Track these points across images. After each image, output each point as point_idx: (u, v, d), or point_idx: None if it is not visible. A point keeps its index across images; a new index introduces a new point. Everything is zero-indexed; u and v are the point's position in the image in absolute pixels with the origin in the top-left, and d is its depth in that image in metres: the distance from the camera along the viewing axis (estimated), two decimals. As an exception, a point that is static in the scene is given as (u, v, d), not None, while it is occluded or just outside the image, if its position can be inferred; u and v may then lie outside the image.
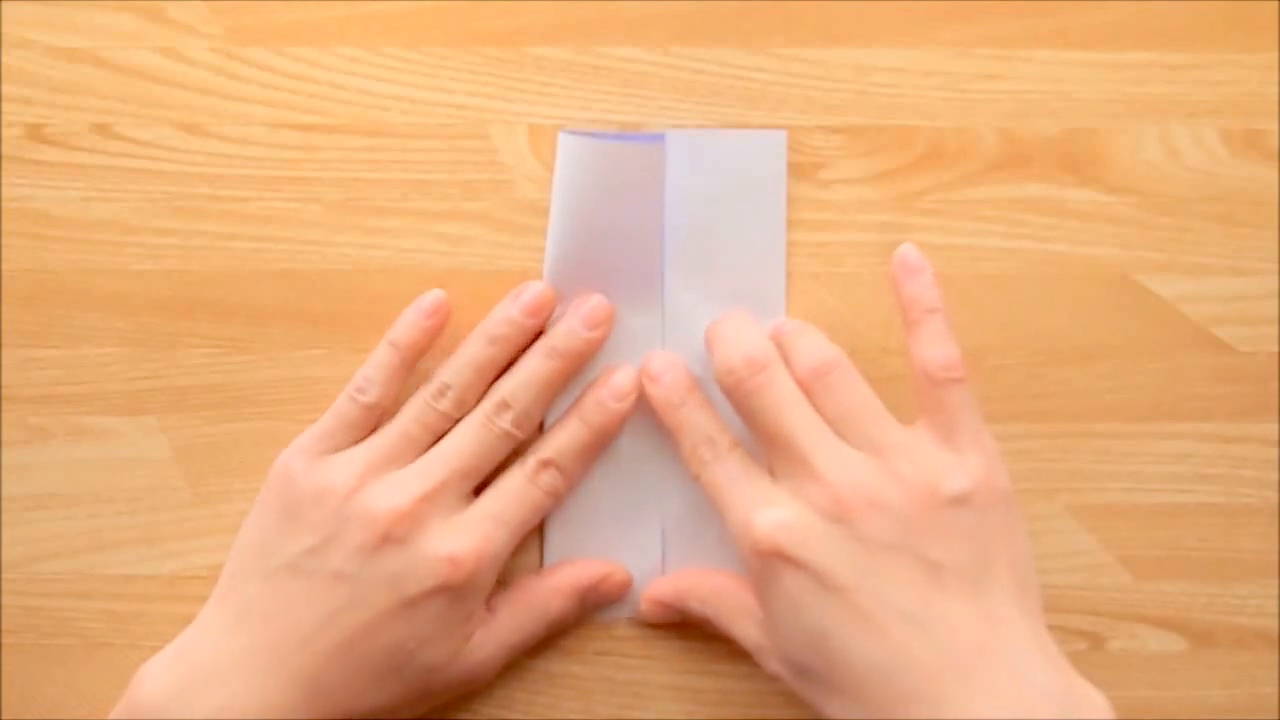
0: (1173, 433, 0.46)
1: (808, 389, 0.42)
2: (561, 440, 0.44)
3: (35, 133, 0.46)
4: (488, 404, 0.43)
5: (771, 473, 0.42)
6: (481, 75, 0.46)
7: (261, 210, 0.46)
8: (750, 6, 0.46)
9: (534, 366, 0.44)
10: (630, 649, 0.46)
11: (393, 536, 0.41)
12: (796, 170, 0.46)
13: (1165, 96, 0.46)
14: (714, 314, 0.45)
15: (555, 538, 0.45)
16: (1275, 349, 0.46)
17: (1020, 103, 0.46)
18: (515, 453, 0.44)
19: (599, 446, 0.45)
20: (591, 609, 0.45)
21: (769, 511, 0.40)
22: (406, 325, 0.44)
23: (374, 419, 0.44)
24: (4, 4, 0.46)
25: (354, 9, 0.46)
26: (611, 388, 0.44)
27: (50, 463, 0.46)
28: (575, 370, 0.44)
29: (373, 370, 0.44)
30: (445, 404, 0.43)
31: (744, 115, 0.46)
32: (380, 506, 0.42)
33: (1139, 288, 0.46)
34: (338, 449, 0.44)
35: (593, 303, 0.44)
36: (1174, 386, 0.46)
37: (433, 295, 0.45)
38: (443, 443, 0.43)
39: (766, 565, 0.39)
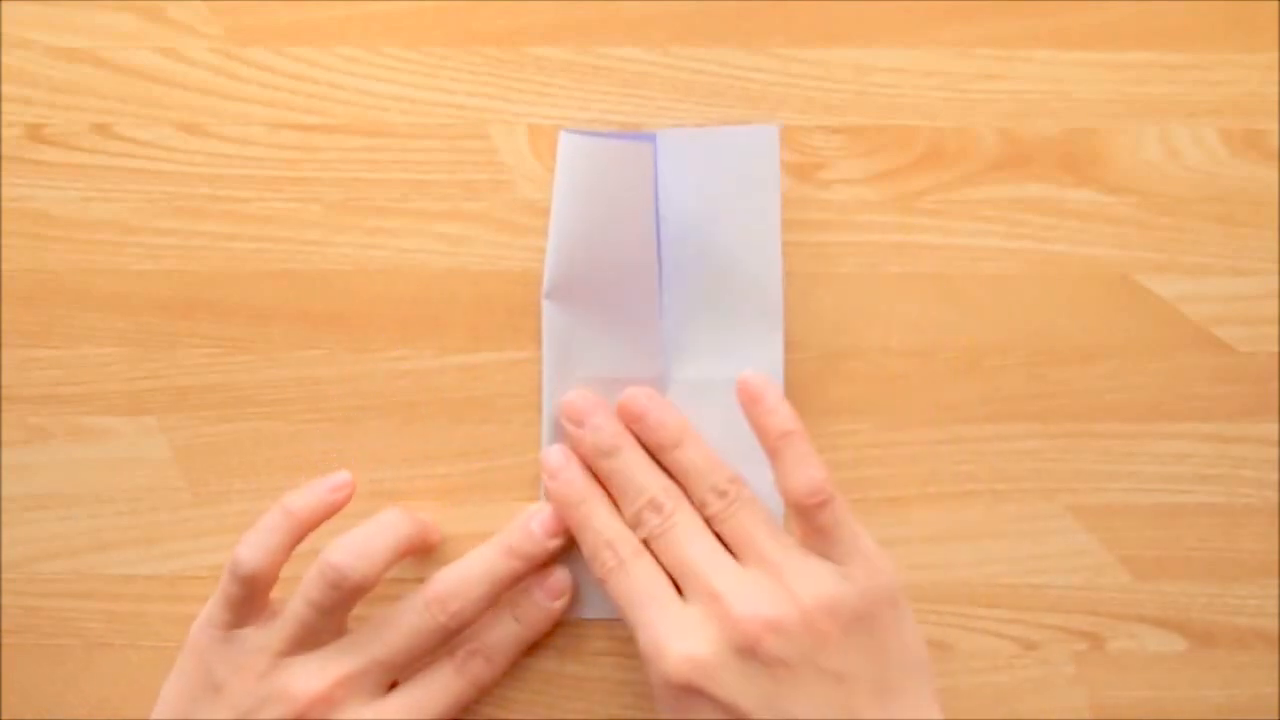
0: (1173, 433, 0.46)
1: (706, 512, 0.43)
2: (494, 634, 0.44)
3: (35, 133, 0.46)
4: (427, 593, 0.43)
5: (680, 589, 0.42)
6: (481, 75, 0.46)
7: (261, 210, 0.46)
8: (750, 6, 0.46)
9: (487, 564, 0.44)
10: (630, 649, 0.46)
11: (307, 718, 0.41)
12: (796, 170, 0.46)
13: (1165, 96, 0.46)
14: (712, 311, 0.45)
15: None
16: (1275, 349, 0.46)
17: (1020, 103, 0.46)
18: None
19: (531, 641, 0.45)
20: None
21: (682, 644, 0.40)
22: (308, 495, 0.44)
23: (256, 591, 0.43)
24: (4, 4, 0.46)
25: (354, 9, 0.46)
26: (547, 588, 0.45)
27: (50, 463, 0.46)
28: (528, 573, 0.44)
29: (258, 536, 0.43)
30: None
31: (744, 115, 0.46)
32: (297, 686, 0.42)
33: (1139, 288, 0.46)
34: (240, 624, 0.43)
35: (549, 511, 0.44)
36: (1174, 386, 0.46)
37: (343, 475, 0.44)
38: (372, 626, 0.43)
39: (677, 696, 0.40)
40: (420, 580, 0.44)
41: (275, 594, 0.44)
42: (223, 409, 0.46)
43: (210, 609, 0.43)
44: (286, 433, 0.46)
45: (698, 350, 0.45)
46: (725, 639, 0.40)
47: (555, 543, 0.44)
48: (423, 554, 0.45)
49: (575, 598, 0.46)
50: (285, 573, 0.43)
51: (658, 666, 0.41)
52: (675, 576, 0.42)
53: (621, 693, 0.46)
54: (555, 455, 0.44)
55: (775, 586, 0.41)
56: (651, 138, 0.46)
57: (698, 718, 0.40)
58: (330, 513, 0.44)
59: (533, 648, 0.45)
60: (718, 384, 0.45)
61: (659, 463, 0.44)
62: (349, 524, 0.44)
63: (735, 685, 0.40)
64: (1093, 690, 0.46)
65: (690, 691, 0.40)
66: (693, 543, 0.42)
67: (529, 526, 0.44)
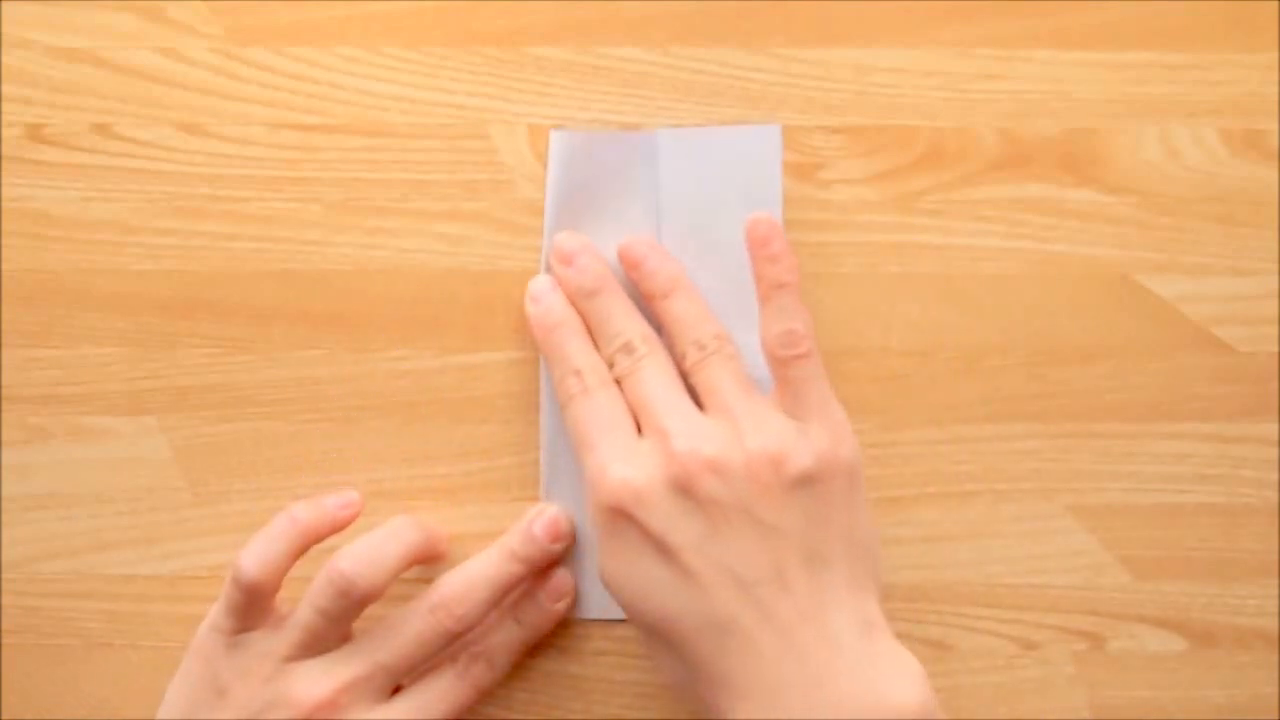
0: (1173, 433, 0.46)
1: (684, 364, 0.43)
2: (496, 637, 0.44)
3: (35, 133, 0.46)
4: (432, 598, 0.43)
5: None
6: (481, 75, 0.46)
7: (261, 210, 0.46)
8: (750, 6, 0.46)
9: (490, 568, 0.44)
10: (630, 649, 0.46)
11: None
12: (796, 170, 0.46)
13: (1165, 96, 0.46)
14: (712, 311, 0.45)
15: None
16: (1275, 349, 0.46)
17: (1020, 103, 0.46)
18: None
19: (533, 644, 0.45)
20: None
21: (621, 468, 0.40)
22: (316, 509, 0.44)
23: (258, 598, 0.42)
24: (4, 4, 0.46)
25: (354, 9, 0.46)
26: (549, 590, 0.45)
27: (50, 463, 0.46)
28: (530, 576, 0.45)
29: (262, 545, 0.43)
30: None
31: (744, 115, 0.46)
32: (302, 691, 0.42)
33: (1139, 288, 0.46)
34: (244, 630, 0.43)
35: (551, 513, 0.45)
36: (1174, 386, 0.46)
37: (352, 494, 0.45)
38: (376, 631, 0.43)
39: (609, 518, 0.40)
40: (425, 582, 0.44)
41: (282, 594, 0.44)
42: (223, 409, 0.46)
43: (214, 614, 0.43)
44: (286, 433, 0.46)
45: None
46: (664, 472, 0.40)
47: (557, 546, 0.44)
48: (430, 564, 0.45)
49: (576, 598, 0.46)
50: (295, 571, 0.43)
51: (596, 488, 0.41)
52: (636, 413, 0.42)
53: (621, 693, 0.46)
54: (540, 282, 0.45)
55: (726, 431, 0.40)
56: (650, 136, 0.46)
57: (627, 546, 0.40)
58: (335, 529, 0.44)
59: (533, 647, 0.45)
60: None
61: (652, 312, 0.44)
62: (355, 528, 0.44)
63: (666, 518, 0.40)
64: (1093, 690, 0.46)
65: (622, 516, 0.40)
66: (657, 383, 0.42)
67: (531, 530, 0.44)
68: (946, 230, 0.46)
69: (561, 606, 0.45)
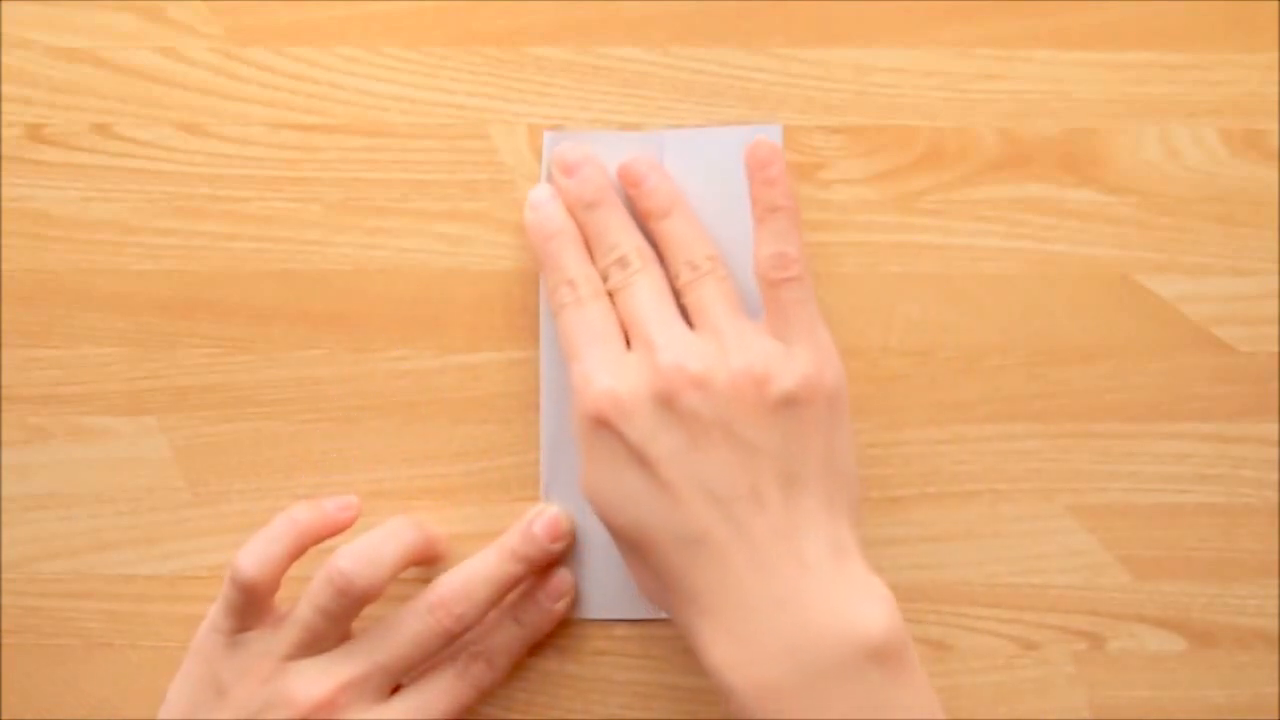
0: (1173, 433, 0.46)
1: (677, 283, 0.43)
2: (496, 637, 0.45)
3: (35, 133, 0.46)
4: (431, 597, 0.43)
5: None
6: (481, 75, 0.46)
7: (261, 210, 0.46)
8: (750, 6, 0.46)
9: (490, 568, 0.44)
10: (630, 649, 0.46)
11: None
12: (796, 170, 0.46)
13: (1165, 96, 0.46)
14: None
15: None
16: (1275, 349, 0.46)
17: (1020, 103, 0.46)
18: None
19: (531, 642, 0.45)
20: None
21: (606, 378, 0.41)
22: (315, 511, 0.44)
23: (256, 598, 0.43)
24: (4, 4, 0.46)
25: (354, 9, 0.46)
26: (549, 590, 0.45)
27: (50, 463, 0.46)
28: (530, 575, 0.45)
29: (260, 545, 0.43)
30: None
31: (744, 115, 0.46)
32: (302, 690, 0.42)
33: (1139, 288, 0.46)
34: (243, 630, 0.43)
35: (551, 513, 0.45)
36: (1174, 386, 0.46)
37: (352, 498, 0.45)
38: (376, 630, 0.43)
39: (591, 427, 0.41)
40: (425, 582, 0.44)
41: (282, 594, 0.44)
42: (223, 409, 0.46)
43: (213, 615, 0.43)
44: (286, 433, 0.46)
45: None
46: (648, 384, 0.40)
47: (558, 546, 0.45)
48: (428, 565, 0.45)
49: (576, 598, 0.46)
50: (294, 571, 0.43)
51: (580, 397, 0.41)
52: (626, 327, 0.43)
53: (621, 693, 0.46)
54: (540, 191, 0.45)
55: (713, 349, 0.41)
56: (650, 136, 0.46)
57: (607, 455, 0.40)
58: (334, 531, 0.44)
59: (532, 647, 0.46)
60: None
61: (649, 231, 0.44)
62: (355, 528, 0.44)
63: (647, 430, 0.40)
64: (1093, 690, 0.46)
65: (604, 425, 0.40)
66: (648, 297, 0.42)
67: (531, 530, 0.44)
68: (946, 230, 0.46)
69: (561, 606, 0.45)
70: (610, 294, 0.43)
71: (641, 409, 0.40)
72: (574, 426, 0.42)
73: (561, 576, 0.45)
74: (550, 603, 0.45)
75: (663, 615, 0.46)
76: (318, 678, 0.42)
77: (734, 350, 0.41)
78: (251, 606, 0.43)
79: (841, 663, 0.38)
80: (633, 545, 0.40)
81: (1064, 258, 0.46)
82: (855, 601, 0.38)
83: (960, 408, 0.46)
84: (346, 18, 0.46)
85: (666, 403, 0.40)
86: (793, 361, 0.41)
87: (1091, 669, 0.46)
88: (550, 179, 0.45)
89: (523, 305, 0.46)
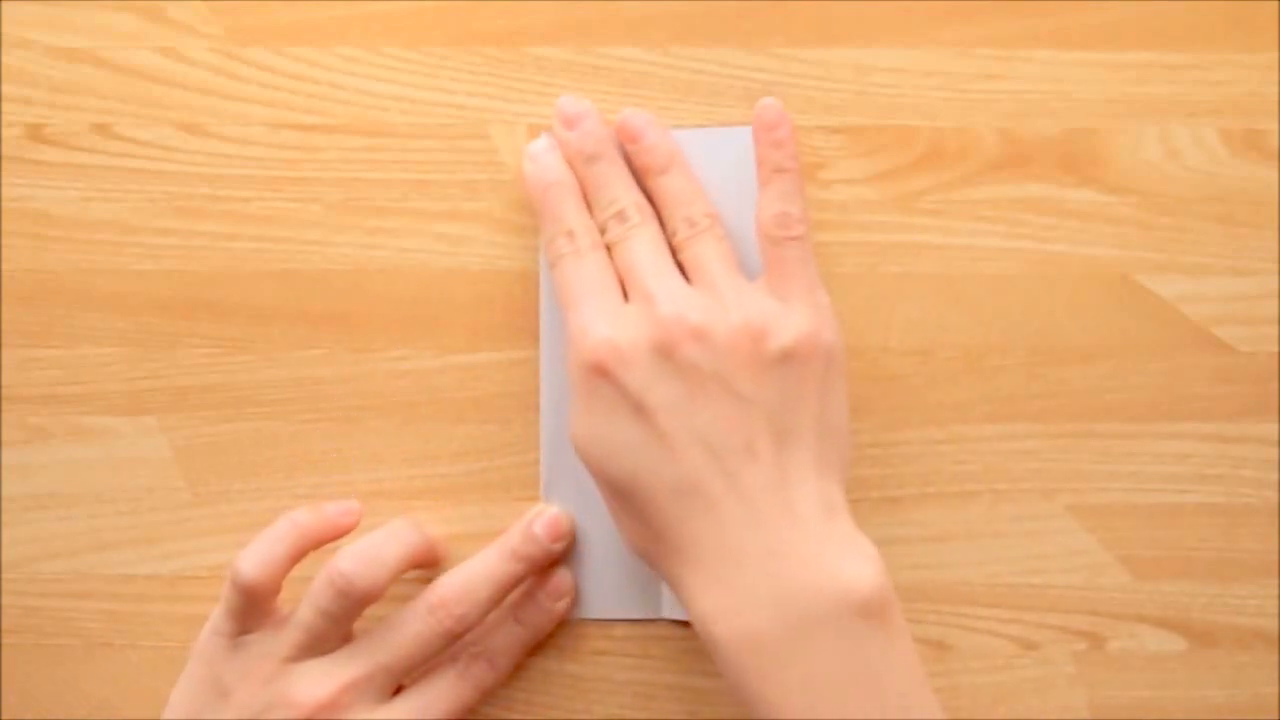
0: (1173, 433, 0.46)
1: (674, 240, 0.43)
2: (497, 639, 0.45)
3: (35, 133, 0.46)
4: (431, 598, 0.43)
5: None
6: (481, 75, 0.46)
7: (261, 210, 0.46)
8: (750, 6, 0.46)
9: (490, 567, 0.44)
10: (630, 649, 0.46)
11: None
12: (796, 170, 0.46)
13: (1165, 96, 0.46)
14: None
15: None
16: (1275, 349, 0.46)
17: (1020, 103, 0.46)
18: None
19: (533, 643, 0.45)
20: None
21: (605, 327, 0.41)
22: (316, 515, 0.44)
23: (257, 601, 0.42)
24: (4, 4, 0.46)
25: (354, 9, 0.46)
26: (549, 590, 0.45)
27: (50, 463, 0.46)
28: (531, 575, 0.45)
29: (261, 547, 0.43)
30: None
31: (744, 115, 0.46)
32: (304, 691, 0.42)
33: (1139, 288, 0.46)
34: (245, 632, 0.43)
35: (552, 513, 0.45)
36: (1174, 386, 0.46)
37: (353, 503, 0.45)
38: (377, 631, 0.43)
39: (588, 376, 0.41)
40: (425, 582, 0.44)
41: (283, 595, 0.44)
42: (223, 409, 0.46)
43: (215, 618, 0.43)
44: (286, 433, 0.46)
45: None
46: (647, 334, 0.40)
47: (558, 546, 0.45)
48: (429, 567, 0.45)
49: (576, 599, 0.46)
50: (296, 572, 0.43)
51: (578, 346, 0.41)
52: (623, 279, 0.43)
53: (621, 693, 0.46)
54: (540, 143, 0.45)
55: (711, 302, 0.41)
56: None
57: (602, 404, 0.40)
58: (335, 535, 0.44)
59: (533, 648, 0.45)
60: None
61: (646, 188, 0.44)
62: (356, 530, 0.44)
63: (645, 379, 0.40)
64: (1093, 690, 0.46)
65: (602, 373, 0.40)
66: (646, 250, 0.43)
67: (531, 530, 0.44)
68: (946, 230, 0.46)
69: (562, 606, 0.45)
70: (608, 247, 0.43)
71: (641, 359, 0.40)
72: (570, 375, 0.42)
73: (562, 576, 0.45)
74: (551, 603, 0.45)
75: (662, 616, 0.46)
76: (320, 679, 0.42)
77: (733, 305, 0.41)
78: (252, 609, 0.43)
79: (827, 616, 0.38)
80: (624, 495, 0.40)
81: (1064, 258, 0.46)
82: (844, 557, 0.39)
83: (960, 408, 0.46)
84: (346, 18, 0.46)
85: (666, 353, 0.40)
86: (791, 318, 0.41)
87: (1091, 669, 0.46)
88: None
89: (523, 305, 0.46)
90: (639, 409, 0.40)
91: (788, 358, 0.40)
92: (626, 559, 0.45)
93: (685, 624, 0.45)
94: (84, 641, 0.46)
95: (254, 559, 0.42)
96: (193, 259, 0.46)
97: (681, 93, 0.46)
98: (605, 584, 0.46)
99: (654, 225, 0.43)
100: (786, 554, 0.39)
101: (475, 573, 0.43)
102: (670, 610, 0.46)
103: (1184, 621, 0.46)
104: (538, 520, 0.44)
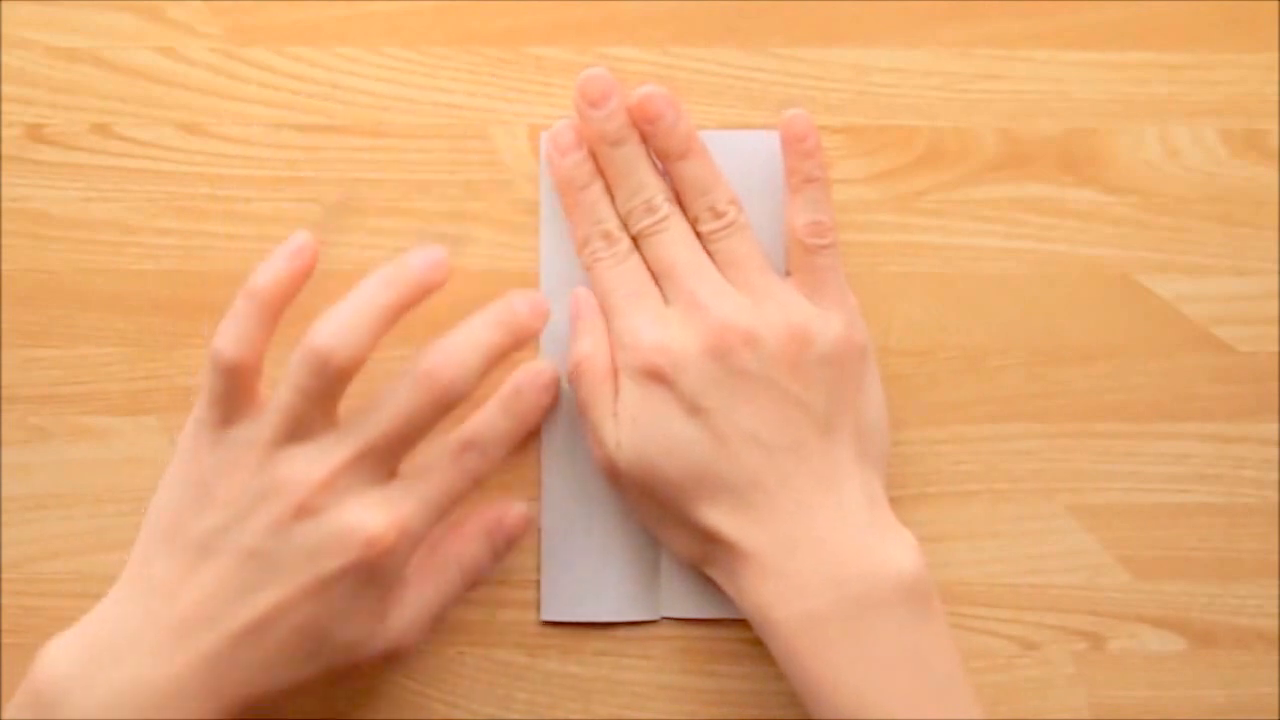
0: (1173, 433, 0.46)
1: (698, 227, 0.44)
2: (483, 425, 0.43)
3: (35, 133, 0.46)
4: (418, 368, 0.40)
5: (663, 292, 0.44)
6: (481, 75, 0.46)
7: (261, 210, 0.46)
8: (750, 6, 0.46)
9: (476, 334, 0.41)
10: (630, 649, 0.46)
11: (308, 508, 0.39)
12: (796, 170, 0.46)
13: (1165, 96, 0.46)
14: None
15: (552, 572, 0.45)
16: (1275, 349, 0.46)
17: (1020, 103, 0.46)
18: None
19: (520, 434, 0.43)
20: (502, 552, 0.44)
21: (660, 333, 0.42)
22: (268, 271, 0.41)
23: (241, 382, 0.40)
24: (4, 4, 0.46)
25: (354, 9, 0.46)
26: (536, 382, 0.44)
27: (50, 463, 0.46)
28: (515, 347, 0.42)
29: (232, 324, 0.40)
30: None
31: (744, 115, 0.46)
32: (295, 476, 0.39)
33: (1139, 288, 0.46)
34: (229, 422, 0.41)
35: (542, 368, 0.44)
36: (1174, 386, 0.46)
37: (300, 237, 0.41)
38: (366, 409, 0.41)
39: (642, 380, 0.42)
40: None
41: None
42: (223, 409, 0.46)
43: (197, 410, 0.41)
44: (286, 433, 0.46)
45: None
46: (700, 339, 0.42)
47: (540, 321, 0.43)
48: (422, 300, 0.42)
49: (576, 603, 0.45)
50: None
51: (631, 352, 0.42)
52: (659, 277, 0.44)
53: (621, 693, 0.46)
54: (566, 134, 0.44)
55: (756, 305, 0.43)
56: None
57: (657, 405, 0.42)
58: (297, 282, 0.41)
59: (533, 648, 0.45)
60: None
61: (664, 172, 0.44)
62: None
63: (701, 382, 0.42)
64: (1093, 690, 0.46)
65: (657, 378, 0.42)
66: (682, 247, 0.44)
67: (512, 303, 0.42)
68: (946, 230, 0.46)
69: (549, 398, 0.44)
70: (635, 238, 0.44)
71: (694, 363, 0.42)
72: (621, 380, 0.43)
73: (545, 367, 0.44)
74: (536, 395, 0.43)
75: (659, 616, 0.46)
76: (314, 460, 0.40)
77: (776, 309, 0.42)
78: (237, 393, 0.40)
79: (880, 600, 0.40)
80: (674, 497, 0.42)
81: (1064, 258, 0.46)
82: (888, 545, 0.41)
83: (960, 408, 0.46)
84: (346, 18, 0.46)
85: (719, 357, 0.42)
86: (829, 322, 0.43)
87: (1091, 669, 0.46)
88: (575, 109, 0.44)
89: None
90: (694, 410, 0.42)
91: (829, 360, 0.42)
92: (626, 561, 0.45)
93: (685, 623, 0.45)
94: (84, 641, 0.46)
95: (229, 337, 0.40)
96: (193, 259, 0.46)
97: (681, 93, 0.46)
98: (605, 586, 0.46)
99: (682, 217, 0.44)
100: (836, 541, 0.41)
101: (461, 340, 0.41)
102: (669, 609, 0.46)
103: (1184, 621, 0.46)
104: (517, 295, 0.42)
